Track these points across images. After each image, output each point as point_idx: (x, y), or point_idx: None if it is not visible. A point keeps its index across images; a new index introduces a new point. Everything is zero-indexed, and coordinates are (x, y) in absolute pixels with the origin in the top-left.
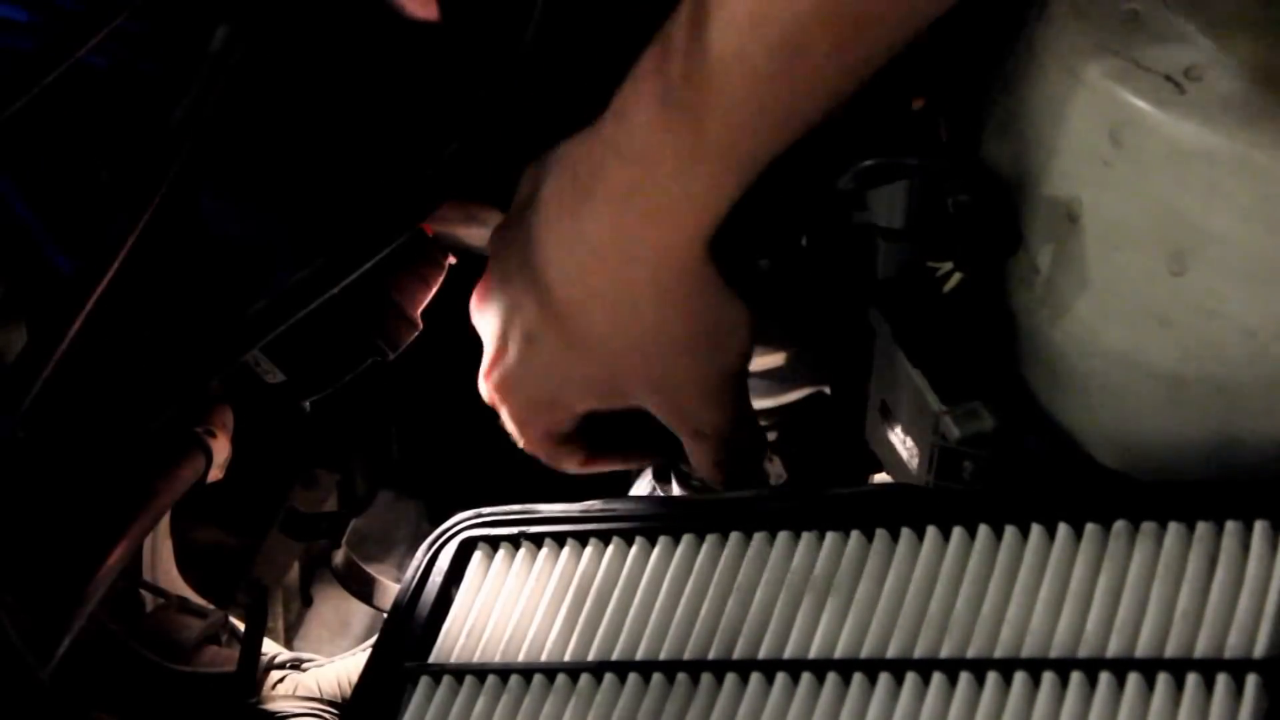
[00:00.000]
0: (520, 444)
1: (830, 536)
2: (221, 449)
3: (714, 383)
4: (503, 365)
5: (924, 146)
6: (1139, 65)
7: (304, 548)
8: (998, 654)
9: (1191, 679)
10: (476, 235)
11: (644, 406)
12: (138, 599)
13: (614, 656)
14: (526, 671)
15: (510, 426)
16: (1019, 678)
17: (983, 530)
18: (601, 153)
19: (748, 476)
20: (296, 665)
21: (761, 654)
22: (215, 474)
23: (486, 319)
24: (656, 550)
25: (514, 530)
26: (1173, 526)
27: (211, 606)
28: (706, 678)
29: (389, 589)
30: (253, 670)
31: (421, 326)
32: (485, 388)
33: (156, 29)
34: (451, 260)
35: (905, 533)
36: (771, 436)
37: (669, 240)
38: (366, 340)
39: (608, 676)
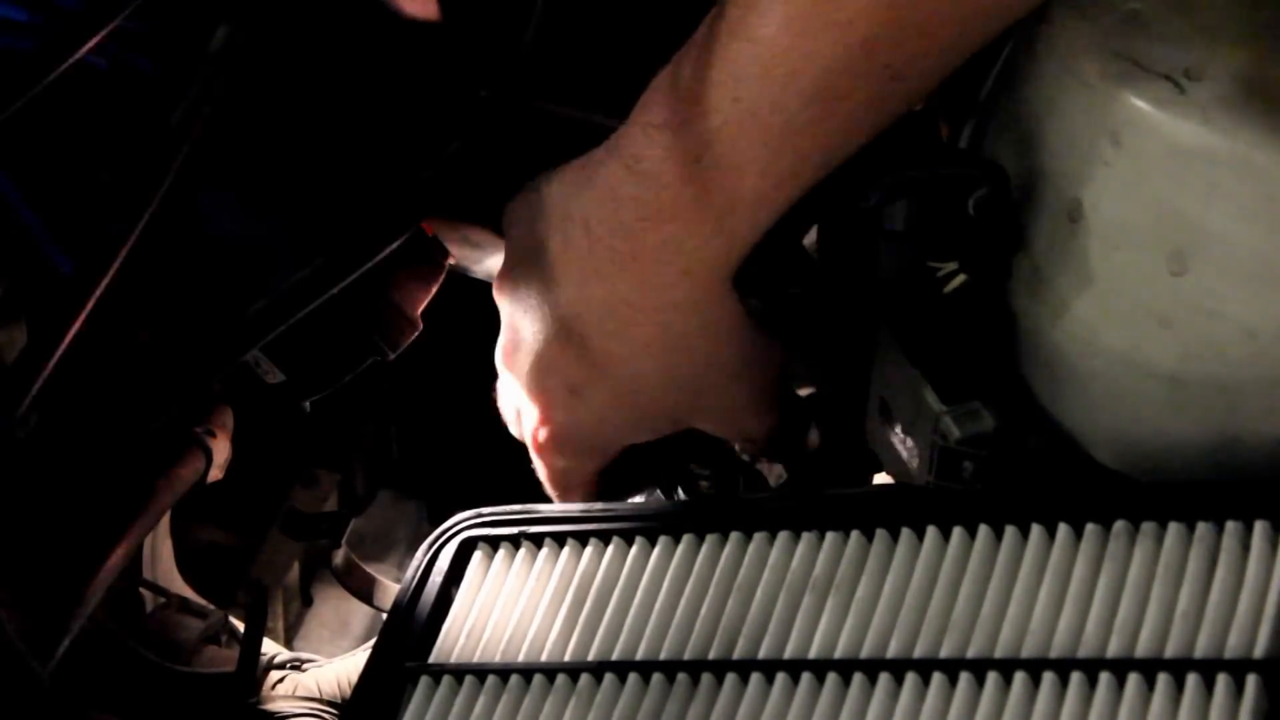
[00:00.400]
0: (552, 490)
1: (830, 537)
2: (221, 449)
3: (764, 398)
4: (550, 422)
5: (943, 153)
6: (1139, 65)
7: (304, 548)
8: (998, 654)
9: (1192, 679)
10: (470, 257)
11: (698, 427)
12: (138, 599)
13: (614, 656)
14: (526, 671)
15: (549, 476)
16: (1019, 678)
17: (983, 530)
18: (617, 209)
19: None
20: (296, 665)
21: (761, 654)
22: (215, 474)
23: (519, 377)
24: (656, 550)
25: (514, 530)
26: (1173, 527)
27: (211, 606)
28: (706, 678)
29: (389, 589)
30: (252, 670)
31: (421, 326)
32: (533, 444)
33: (156, 29)
34: (451, 260)
35: (905, 533)
36: None
37: (713, 287)
38: (366, 340)
39: (608, 676)
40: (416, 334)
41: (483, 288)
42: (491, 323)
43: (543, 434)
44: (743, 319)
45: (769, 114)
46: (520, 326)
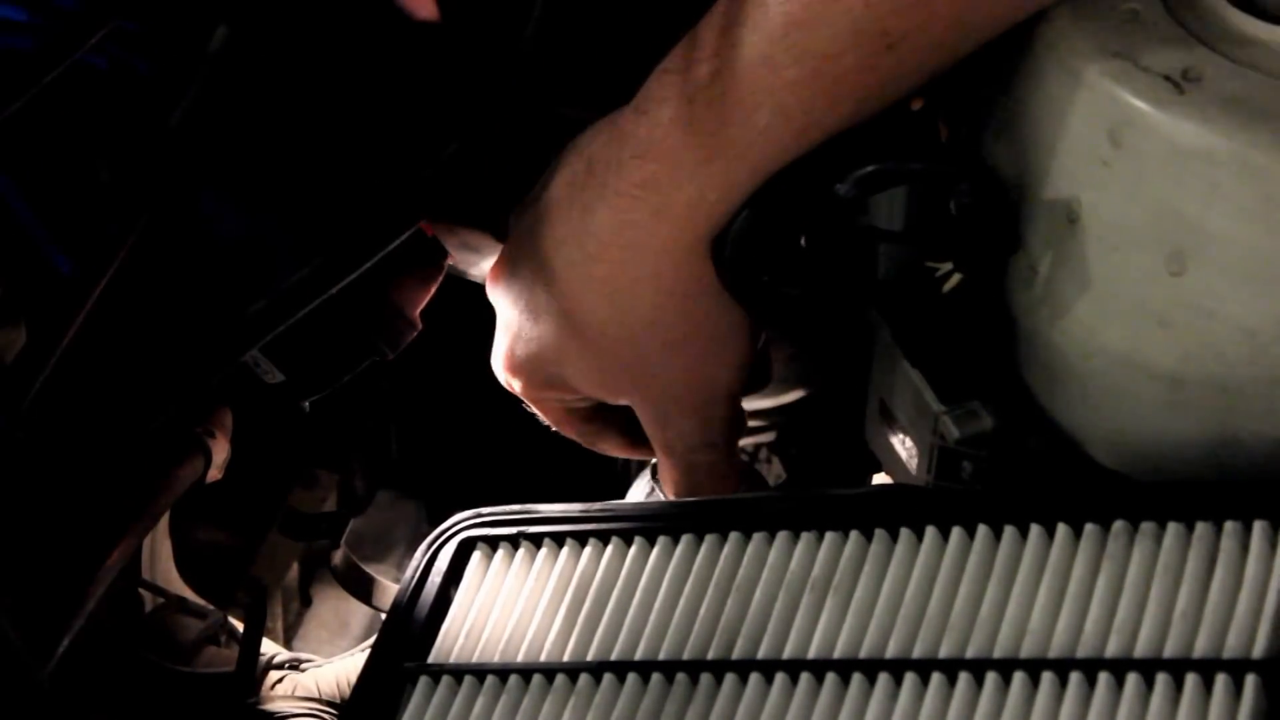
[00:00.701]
0: (547, 418)
1: (829, 537)
2: (221, 449)
3: (701, 394)
4: (510, 343)
5: (925, 149)
6: (1139, 65)
7: (303, 548)
8: (996, 654)
9: (1190, 679)
10: (467, 261)
11: (631, 405)
12: (137, 599)
13: (613, 656)
14: (525, 671)
15: (529, 399)
16: (1018, 678)
17: (982, 530)
18: (619, 146)
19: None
20: (295, 665)
21: (760, 654)
22: (215, 474)
23: (499, 298)
24: (656, 550)
25: (513, 530)
26: (1172, 527)
27: (211, 607)
28: (706, 678)
29: (388, 589)
30: (252, 670)
31: (421, 326)
32: (498, 366)
33: (155, 29)
34: (450, 262)
35: (904, 533)
36: (771, 436)
37: (675, 237)
38: (366, 340)
39: (607, 676)
40: (416, 334)
41: (483, 288)
42: (491, 323)
43: (504, 353)
44: (700, 291)
45: (758, 65)
46: (511, 252)
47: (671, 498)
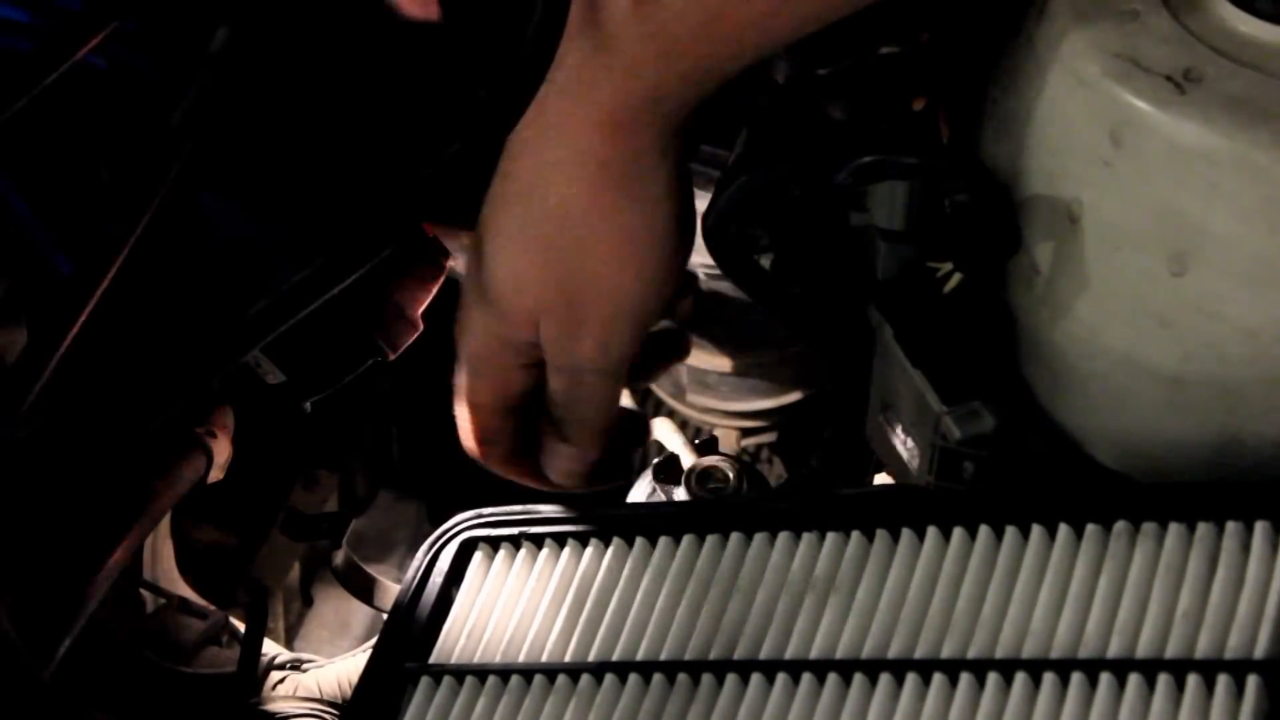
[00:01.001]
0: (467, 430)
1: (831, 537)
2: (222, 449)
3: (615, 308)
4: (458, 318)
5: (924, 146)
6: (1139, 65)
7: (304, 548)
8: (998, 654)
9: (1192, 680)
10: (465, 264)
11: (536, 341)
12: (138, 599)
13: (614, 657)
14: (527, 672)
15: (460, 411)
16: (1020, 678)
17: (983, 531)
18: (566, 56)
19: (602, 470)
20: (297, 666)
21: (762, 654)
22: (215, 474)
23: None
24: (657, 551)
25: (514, 531)
26: (1173, 527)
27: (212, 607)
28: (707, 678)
29: (389, 589)
30: (253, 671)
31: (422, 327)
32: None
33: (156, 29)
34: (452, 261)
35: (906, 533)
36: (771, 437)
37: (588, 116)
38: (366, 341)
39: (608, 677)
40: (417, 334)
41: None
42: None
43: (464, 312)
44: (618, 175)
45: None
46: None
47: (553, 414)
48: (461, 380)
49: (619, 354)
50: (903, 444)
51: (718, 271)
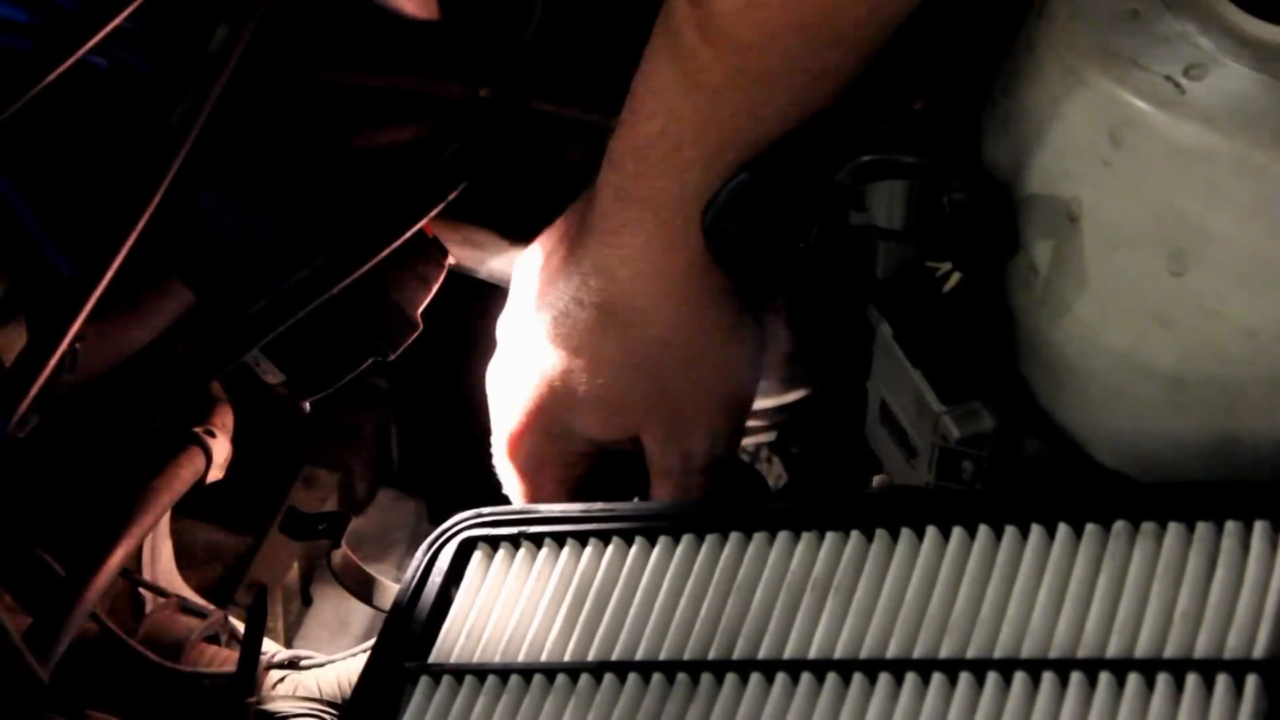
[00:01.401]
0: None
1: (830, 537)
2: (221, 449)
3: (717, 409)
4: (514, 403)
5: (923, 145)
6: (1139, 65)
7: (303, 547)
8: (997, 654)
9: (1191, 679)
10: (472, 258)
11: (640, 437)
12: (137, 598)
13: (614, 657)
14: (526, 672)
15: (519, 478)
16: (1019, 678)
17: (982, 530)
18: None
19: None
20: (296, 665)
21: (761, 654)
22: (215, 474)
23: (502, 367)
24: (656, 550)
25: (514, 530)
26: (1172, 527)
27: (211, 606)
28: (706, 678)
29: (389, 589)
30: (253, 670)
31: (421, 326)
32: (499, 445)
33: (156, 29)
34: (453, 261)
35: (905, 533)
36: (771, 436)
37: (678, 252)
38: (367, 340)
39: (607, 677)
40: (416, 334)
41: (483, 288)
42: (491, 323)
43: (520, 415)
44: (713, 296)
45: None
46: (518, 317)
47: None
48: (519, 482)
49: (729, 442)
50: (903, 444)
51: None
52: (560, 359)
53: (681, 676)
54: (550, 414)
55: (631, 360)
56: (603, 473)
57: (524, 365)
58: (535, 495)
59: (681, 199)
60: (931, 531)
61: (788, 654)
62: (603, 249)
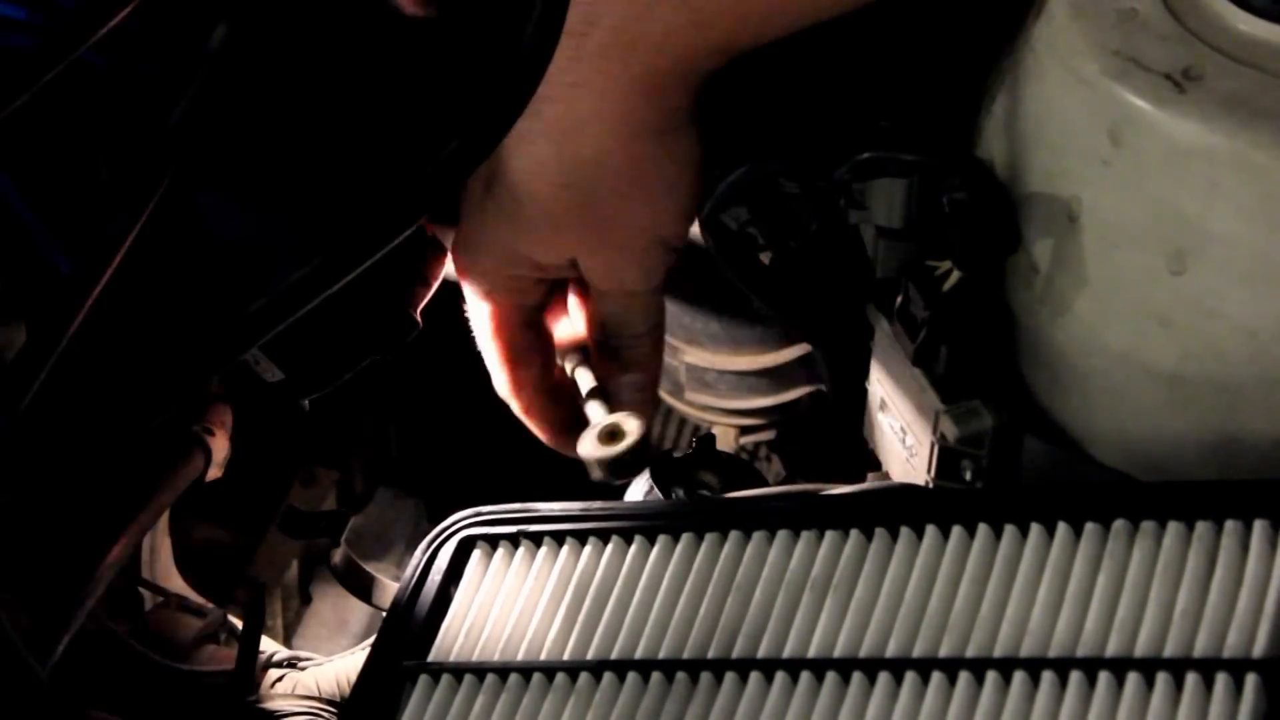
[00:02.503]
0: (497, 363)
1: (829, 536)
2: (221, 447)
3: (645, 240)
4: (468, 232)
5: (923, 143)
6: (1139, 65)
7: (303, 546)
8: (997, 653)
9: (1191, 678)
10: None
11: (575, 259)
12: (136, 597)
13: (613, 655)
14: (525, 670)
15: (479, 299)
16: (1018, 677)
17: (982, 529)
18: None
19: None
20: (295, 664)
21: (761, 653)
22: (214, 472)
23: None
24: (656, 549)
25: (513, 529)
26: (1172, 526)
27: (210, 605)
28: (706, 677)
29: (388, 587)
30: (251, 669)
31: (421, 325)
32: (460, 265)
33: (155, 28)
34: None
35: (904, 532)
36: (771, 435)
37: (620, 73)
38: (366, 339)
39: (607, 675)
40: (416, 333)
41: None
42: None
43: (471, 244)
44: (649, 126)
45: None
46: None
47: (609, 344)
48: (481, 306)
49: (659, 277)
50: (902, 442)
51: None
52: (507, 178)
53: (681, 675)
54: (497, 237)
55: (565, 178)
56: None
57: (479, 195)
58: (497, 319)
59: (627, 20)
60: (931, 530)
61: (787, 653)
62: (555, 69)
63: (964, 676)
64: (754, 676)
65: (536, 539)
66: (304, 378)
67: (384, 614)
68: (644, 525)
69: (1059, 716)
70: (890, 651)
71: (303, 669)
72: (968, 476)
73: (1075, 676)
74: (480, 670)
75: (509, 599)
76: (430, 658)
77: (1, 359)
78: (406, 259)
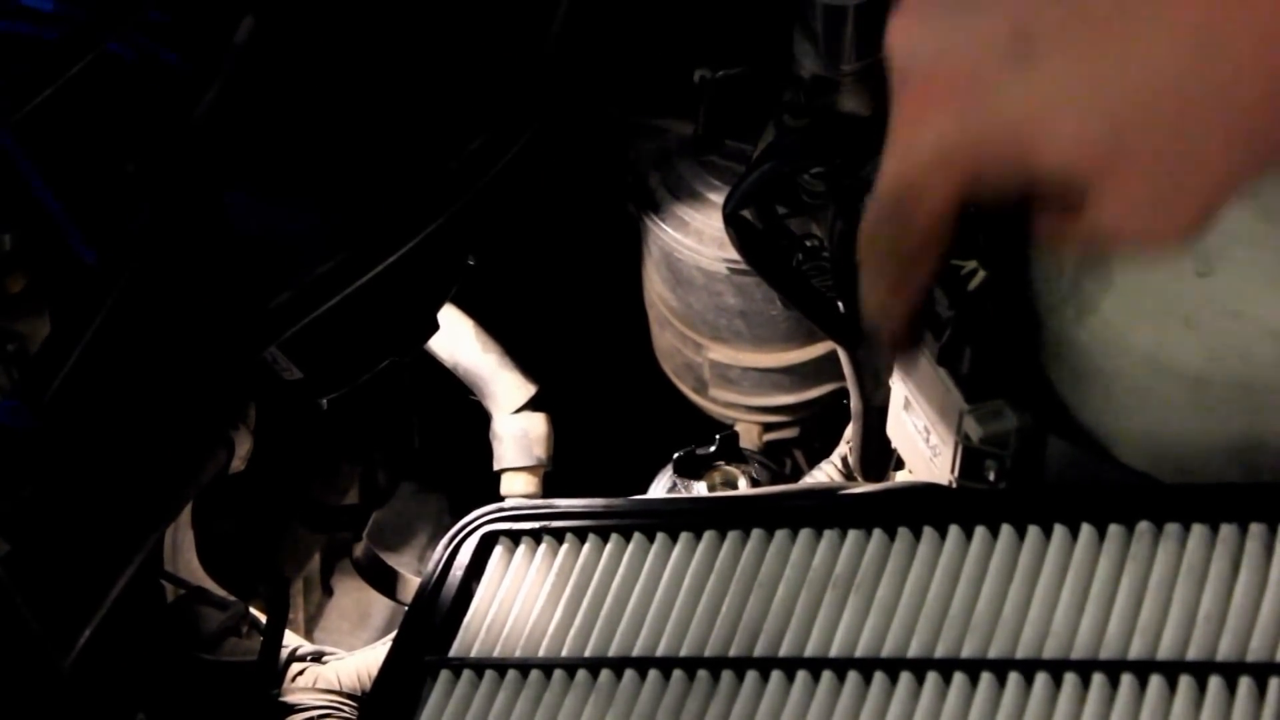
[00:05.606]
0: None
1: (852, 535)
2: (244, 441)
3: (1242, 173)
4: (969, 86)
5: None
6: None
7: (325, 539)
8: (1019, 654)
9: (1214, 682)
10: None
11: (1108, 190)
12: (159, 590)
13: (634, 653)
14: (546, 666)
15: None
16: (1040, 678)
17: (1005, 530)
18: None
19: None
20: (316, 658)
21: (782, 652)
22: (237, 465)
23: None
24: (678, 547)
25: (535, 525)
26: (1196, 528)
27: (232, 598)
28: (727, 675)
29: (409, 582)
30: (274, 661)
31: (440, 327)
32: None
33: (181, 20)
34: (470, 261)
35: (928, 532)
36: (795, 432)
37: None
38: (385, 341)
39: (627, 673)
40: (435, 334)
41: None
42: (505, 319)
43: (977, 102)
44: None
45: None
46: None
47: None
48: (899, 182)
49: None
50: (926, 442)
51: (744, 267)
52: (1089, 50)
53: (702, 673)
54: (1023, 120)
55: (1186, 88)
56: None
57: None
58: (912, 222)
59: None
60: (954, 530)
61: (808, 652)
62: None
63: (986, 677)
64: (775, 675)
65: (558, 535)
66: (322, 377)
67: (405, 608)
68: (666, 523)
69: (1081, 718)
70: (912, 652)
71: (324, 663)
72: (991, 477)
73: (1098, 679)
74: (501, 666)
75: (530, 595)
76: (451, 653)
77: (26, 351)
78: (428, 258)
